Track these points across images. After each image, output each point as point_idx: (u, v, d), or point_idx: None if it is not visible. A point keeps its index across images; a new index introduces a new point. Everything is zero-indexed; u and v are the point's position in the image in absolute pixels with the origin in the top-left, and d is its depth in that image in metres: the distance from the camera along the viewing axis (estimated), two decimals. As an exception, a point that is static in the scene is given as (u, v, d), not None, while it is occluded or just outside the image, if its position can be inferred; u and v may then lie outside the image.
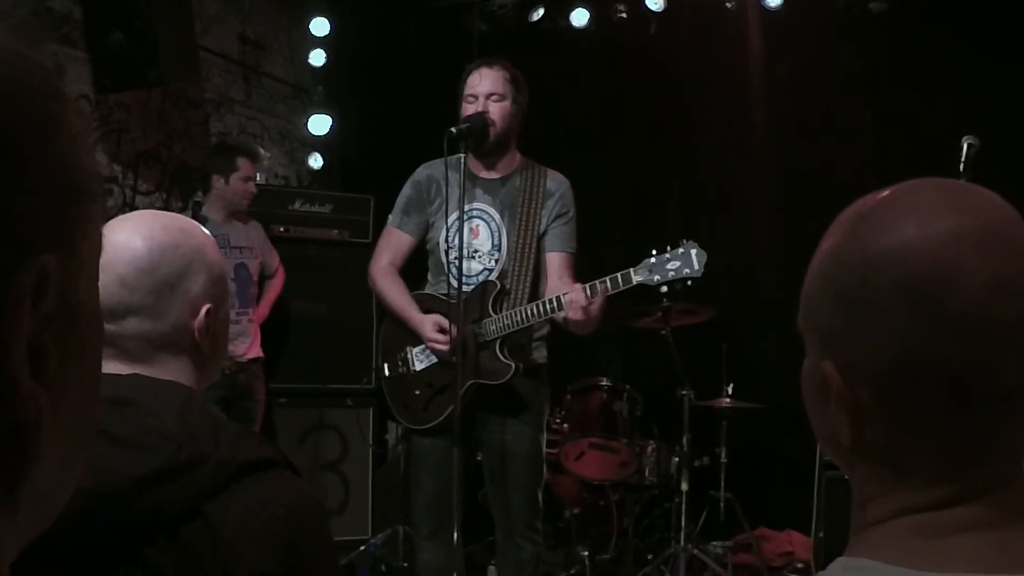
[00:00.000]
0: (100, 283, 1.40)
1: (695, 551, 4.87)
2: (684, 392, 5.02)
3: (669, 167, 6.13)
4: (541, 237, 3.57)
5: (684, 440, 5.01)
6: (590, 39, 6.12)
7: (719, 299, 5.20)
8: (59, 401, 0.58)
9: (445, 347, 3.45)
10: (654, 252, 3.31)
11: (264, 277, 5.33)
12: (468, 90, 3.53)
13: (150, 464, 1.22)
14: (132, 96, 5.50)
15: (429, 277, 3.70)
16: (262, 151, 5.25)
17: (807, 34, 5.75)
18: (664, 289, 3.33)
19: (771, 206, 5.75)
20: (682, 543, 4.86)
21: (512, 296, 3.50)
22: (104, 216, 0.61)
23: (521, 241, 3.52)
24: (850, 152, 5.66)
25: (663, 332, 5.03)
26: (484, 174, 3.61)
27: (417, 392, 3.59)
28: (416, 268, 3.78)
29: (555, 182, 3.63)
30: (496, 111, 3.51)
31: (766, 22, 5.79)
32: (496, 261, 3.55)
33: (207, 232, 1.55)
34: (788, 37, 5.78)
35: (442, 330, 3.47)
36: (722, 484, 5.18)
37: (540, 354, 3.65)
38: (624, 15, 6.05)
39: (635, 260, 3.34)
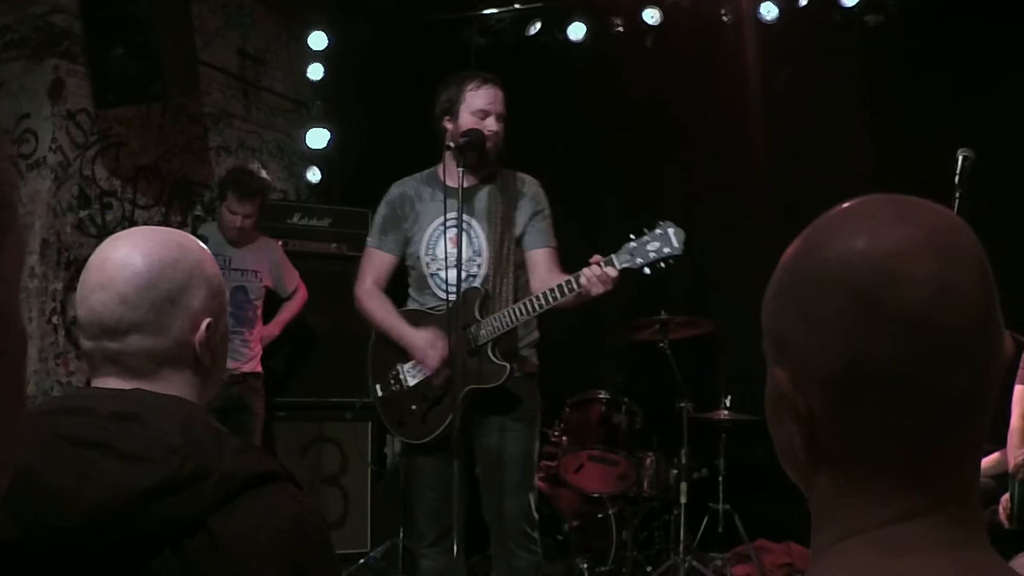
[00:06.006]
0: (101, 302, 1.42)
1: (694, 563, 4.87)
2: (683, 404, 5.03)
3: (667, 180, 6.15)
4: (519, 239, 3.65)
5: (683, 452, 5.02)
6: (587, 53, 6.14)
7: (717, 312, 5.22)
8: None
9: (438, 360, 3.51)
10: (632, 236, 3.34)
11: (280, 298, 5.35)
12: (481, 104, 3.58)
13: (154, 477, 1.23)
14: (131, 110, 5.52)
15: (411, 292, 3.73)
16: (257, 185, 5.06)
17: (804, 47, 5.77)
18: (647, 271, 3.34)
19: (769, 218, 5.75)
20: (681, 555, 4.86)
21: (496, 299, 3.57)
22: (18, 226, 0.62)
23: (499, 244, 3.59)
24: (848, 165, 5.67)
25: (661, 345, 5.05)
26: (454, 183, 3.57)
27: (413, 407, 3.62)
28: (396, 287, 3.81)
29: (524, 182, 3.71)
30: (500, 130, 3.61)
31: (762, 35, 5.80)
32: (479, 267, 3.60)
33: (204, 246, 1.55)
34: (785, 50, 5.80)
35: (434, 345, 3.52)
36: (720, 496, 5.18)
37: (532, 360, 3.71)
38: (621, 29, 6.07)
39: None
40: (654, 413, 5.41)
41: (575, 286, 3.33)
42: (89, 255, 1.48)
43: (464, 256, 3.54)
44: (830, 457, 0.86)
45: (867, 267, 0.83)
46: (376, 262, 3.74)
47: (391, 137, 6.46)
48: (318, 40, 6.62)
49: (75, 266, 5.25)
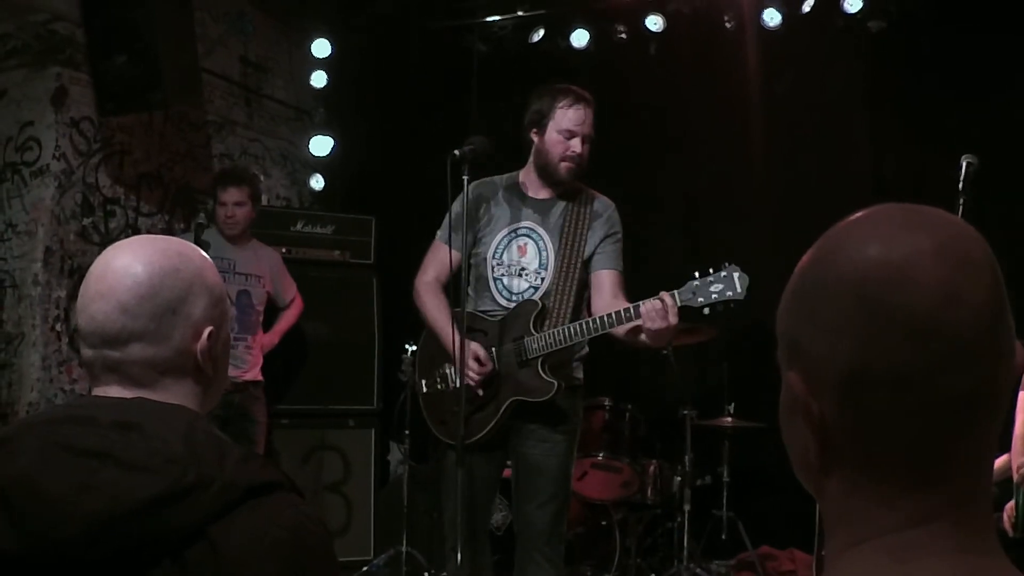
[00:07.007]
0: (102, 311, 1.42)
1: (698, 570, 4.86)
2: (686, 411, 5.02)
3: (669, 187, 6.15)
4: (588, 259, 3.60)
5: (686, 459, 5.01)
6: (590, 60, 6.13)
7: (720, 319, 5.20)
8: None
9: (476, 378, 3.45)
10: (696, 275, 3.31)
11: (278, 307, 5.35)
12: (569, 125, 3.56)
13: (156, 487, 1.23)
14: (134, 118, 5.53)
15: (471, 293, 3.65)
16: (241, 172, 5.17)
17: (806, 52, 5.77)
18: (706, 311, 3.32)
19: (772, 225, 5.75)
20: (685, 562, 4.85)
21: (553, 315, 3.51)
22: None
23: (566, 261, 3.56)
24: (851, 170, 5.67)
25: (665, 352, 5.04)
26: (533, 193, 3.66)
27: (456, 408, 3.51)
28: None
29: (602, 204, 3.68)
30: (584, 152, 3.59)
31: (765, 41, 5.81)
32: (542, 280, 3.58)
33: (205, 255, 1.54)
34: (787, 56, 5.80)
35: (478, 360, 3.46)
36: (724, 503, 5.18)
37: (578, 373, 3.67)
38: (624, 36, 6.07)
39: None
40: (657, 420, 5.40)
41: (632, 315, 3.30)
42: (92, 263, 1.48)
43: (531, 267, 3.57)
44: (841, 462, 0.88)
45: (876, 274, 0.85)
46: (441, 257, 3.68)
47: (394, 144, 6.47)
48: (320, 48, 6.63)
49: (78, 274, 5.25)
